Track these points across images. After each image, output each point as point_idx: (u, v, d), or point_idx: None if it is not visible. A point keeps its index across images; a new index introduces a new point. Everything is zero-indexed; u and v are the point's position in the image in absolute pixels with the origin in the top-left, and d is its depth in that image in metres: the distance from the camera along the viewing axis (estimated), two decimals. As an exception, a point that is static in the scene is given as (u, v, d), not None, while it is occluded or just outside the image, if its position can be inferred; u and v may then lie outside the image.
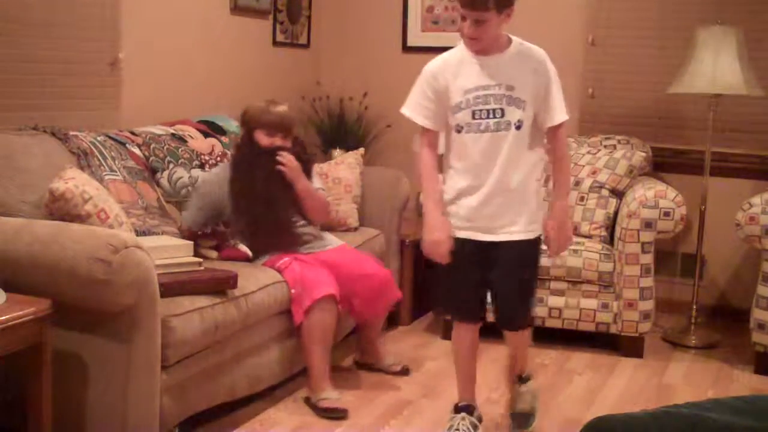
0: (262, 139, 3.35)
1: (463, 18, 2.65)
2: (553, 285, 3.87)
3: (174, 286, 2.78)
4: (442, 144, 2.83)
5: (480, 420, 2.94)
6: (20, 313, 2.30)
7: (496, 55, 2.68)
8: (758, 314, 3.67)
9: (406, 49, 5.04)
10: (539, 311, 3.88)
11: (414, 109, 2.78)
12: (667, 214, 3.73)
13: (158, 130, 3.61)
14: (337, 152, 4.72)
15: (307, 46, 5.11)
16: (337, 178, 4.03)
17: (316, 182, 3.54)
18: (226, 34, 4.40)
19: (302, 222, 3.42)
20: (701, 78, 3.98)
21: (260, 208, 3.30)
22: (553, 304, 3.87)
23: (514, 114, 2.65)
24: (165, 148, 3.48)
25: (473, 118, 2.67)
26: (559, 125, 2.72)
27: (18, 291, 2.43)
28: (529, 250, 2.78)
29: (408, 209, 4.30)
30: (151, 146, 3.43)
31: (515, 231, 2.73)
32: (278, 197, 3.33)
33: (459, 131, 2.71)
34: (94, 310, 2.48)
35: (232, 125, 3.99)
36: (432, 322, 4.31)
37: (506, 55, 2.70)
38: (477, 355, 2.94)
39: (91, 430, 2.56)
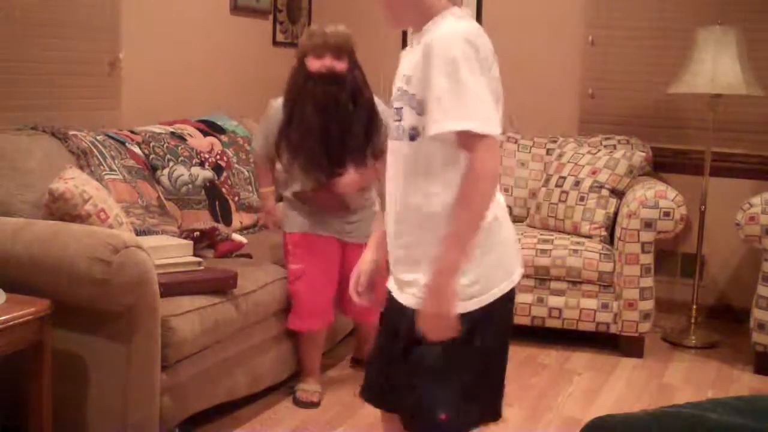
0: (312, 63, 3.03)
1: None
2: (553, 285, 3.87)
3: (174, 286, 2.78)
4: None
5: None
6: (20, 313, 2.31)
7: (417, 33, 1.86)
8: (758, 314, 3.67)
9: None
10: (540, 311, 3.88)
11: None
12: (667, 214, 3.73)
13: (157, 129, 3.61)
14: (337, 152, 4.71)
15: (307, 46, 5.10)
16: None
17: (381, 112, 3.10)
18: (226, 34, 4.40)
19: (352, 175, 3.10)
20: (701, 78, 3.98)
21: (306, 140, 2.98)
22: (553, 304, 3.87)
23: (408, 117, 1.81)
24: (165, 146, 3.49)
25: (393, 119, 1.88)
26: (465, 141, 1.72)
27: (18, 291, 2.43)
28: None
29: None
30: (151, 144, 3.43)
31: (411, 292, 1.86)
32: (327, 129, 2.98)
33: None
34: (94, 310, 2.48)
35: (232, 124, 4.00)
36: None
37: (421, 32, 1.84)
38: None
39: (91, 430, 2.56)
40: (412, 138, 1.80)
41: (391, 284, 1.94)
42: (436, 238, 1.75)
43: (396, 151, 1.85)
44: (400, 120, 1.82)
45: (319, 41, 3.03)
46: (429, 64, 1.73)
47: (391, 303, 1.92)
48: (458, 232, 1.72)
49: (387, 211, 1.91)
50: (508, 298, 1.87)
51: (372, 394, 2.01)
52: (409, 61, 1.83)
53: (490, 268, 1.83)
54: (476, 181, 1.71)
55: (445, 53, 1.72)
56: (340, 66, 3.02)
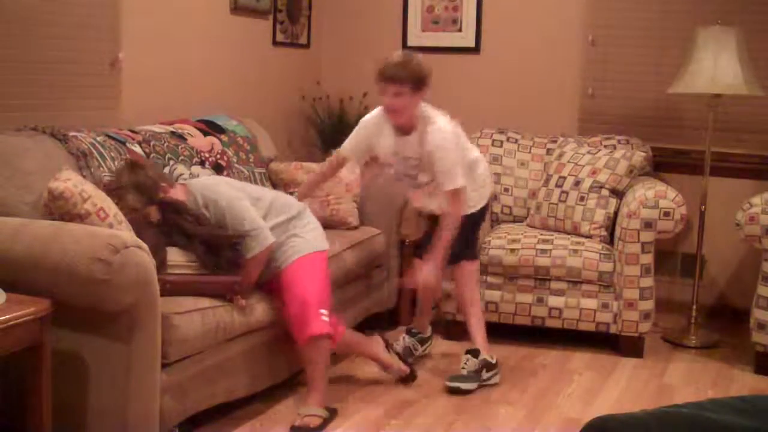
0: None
1: (382, 92, 3.23)
2: (553, 285, 3.87)
3: (181, 285, 2.78)
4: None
5: (417, 344, 3.74)
6: (20, 313, 2.30)
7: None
8: (758, 314, 3.67)
9: (407, 49, 5.03)
10: (540, 311, 3.88)
11: None
12: (667, 214, 3.73)
13: (158, 128, 3.61)
14: (337, 152, 4.71)
15: (307, 46, 5.11)
16: (337, 177, 4.02)
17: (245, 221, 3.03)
18: (226, 34, 4.40)
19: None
20: (701, 78, 3.98)
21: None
22: (553, 304, 3.87)
23: (422, 177, 3.42)
24: (165, 145, 3.49)
25: (396, 176, 3.51)
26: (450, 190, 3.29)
27: (18, 291, 2.43)
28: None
29: (408, 209, 4.29)
30: (152, 143, 3.43)
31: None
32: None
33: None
34: (94, 310, 2.48)
35: (232, 124, 3.99)
36: (432, 322, 4.30)
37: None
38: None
39: (91, 430, 2.56)
40: (428, 183, 3.40)
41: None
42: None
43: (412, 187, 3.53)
44: (414, 178, 3.44)
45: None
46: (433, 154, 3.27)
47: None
48: (440, 247, 3.34)
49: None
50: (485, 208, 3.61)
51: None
52: (412, 149, 3.35)
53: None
54: (451, 218, 3.34)
55: (441, 146, 3.28)
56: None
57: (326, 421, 3.04)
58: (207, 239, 2.96)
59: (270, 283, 3.13)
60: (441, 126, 3.27)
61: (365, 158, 3.58)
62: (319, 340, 3.03)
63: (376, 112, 3.41)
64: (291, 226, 3.18)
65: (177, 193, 3.06)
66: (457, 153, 3.29)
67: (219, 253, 2.96)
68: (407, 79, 3.19)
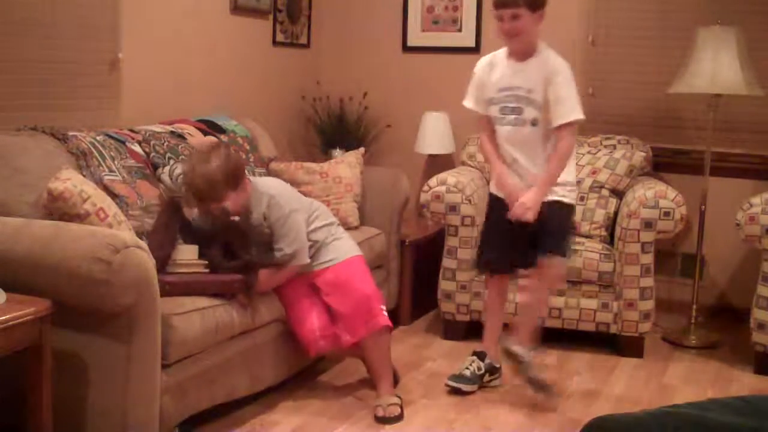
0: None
1: (500, 18, 3.12)
2: (553, 285, 3.87)
3: (181, 286, 2.78)
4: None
5: (490, 369, 3.44)
6: (20, 313, 2.30)
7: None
8: (758, 314, 3.67)
9: (406, 49, 5.04)
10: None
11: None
12: (667, 214, 3.73)
13: (158, 128, 3.61)
14: (337, 152, 4.72)
15: (307, 46, 5.11)
16: (337, 177, 4.03)
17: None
18: (226, 34, 4.40)
19: None
20: (701, 78, 3.98)
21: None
22: (553, 304, 3.87)
23: (529, 112, 3.16)
24: (165, 144, 3.48)
25: (500, 112, 3.24)
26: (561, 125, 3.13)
27: (18, 291, 2.43)
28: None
29: (408, 209, 4.30)
30: (152, 143, 3.42)
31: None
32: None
33: (494, 121, 3.27)
34: (94, 310, 2.48)
35: (232, 124, 3.99)
36: (432, 322, 4.31)
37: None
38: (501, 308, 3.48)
39: (91, 430, 2.55)
40: (534, 125, 3.17)
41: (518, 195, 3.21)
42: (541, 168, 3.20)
43: (515, 132, 3.20)
44: (520, 113, 3.17)
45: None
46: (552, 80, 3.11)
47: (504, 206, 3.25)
48: (549, 176, 3.16)
49: (512, 161, 3.25)
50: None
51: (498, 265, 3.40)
52: (525, 77, 3.16)
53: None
54: (566, 150, 3.15)
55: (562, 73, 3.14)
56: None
57: (402, 407, 3.17)
58: (251, 238, 3.06)
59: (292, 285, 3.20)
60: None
61: (483, 105, 3.32)
62: (384, 332, 3.20)
63: (485, 57, 3.34)
64: (333, 230, 3.31)
65: (248, 190, 3.12)
66: (575, 86, 3.15)
67: (238, 256, 3.01)
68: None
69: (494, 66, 3.26)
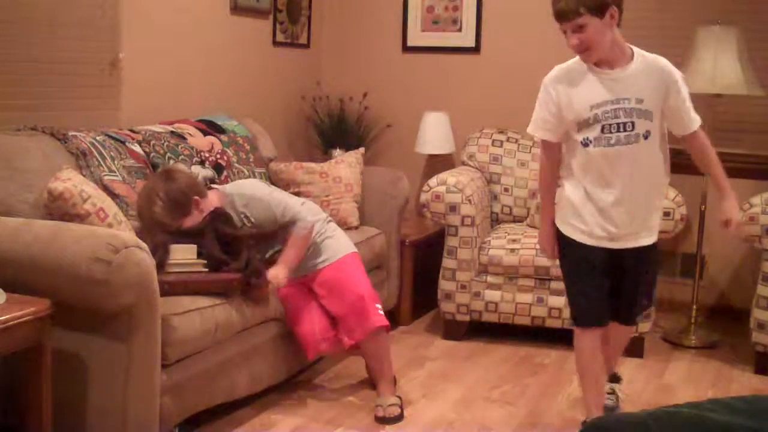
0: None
1: (564, 32, 2.70)
2: (553, 285, 3.86)
3: (179, 285, 2.78)
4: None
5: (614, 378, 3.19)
6: (20, 313, 2.31)
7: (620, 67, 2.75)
8: (758, 314, 3.67)
9: (406, 49, 5.04)
10: (539, 311, 3.88)
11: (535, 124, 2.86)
12: (667, 214, 3.73)
13: (158, 128, 3.61)
14: (337, 152, 4.72)
15: (307, 46, 5.11)
16: (337, 176, 4.03)
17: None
18: (226, 34, 4.39)
19: None
20: (701, 78, 3.97)
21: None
22: (552, 304, 3.87)
23: (641, 126, 2.74)
24: (165, 144, 3.49)
25: (602, 132, 2.73)
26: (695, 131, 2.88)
27: (18, 291, 2.43)
28: (649, 254, 2.89)
29: (408, 209, 4.30)
30: (152, 143, 3.43)
31: (642, 237, 2.85)
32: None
33: (586, 145, 2.75)
34: (94, 310, 2.48)
35: (232, 124, 3.99)
36: (432, 322, 4.31)
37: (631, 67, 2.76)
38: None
39: (91, 430, 2.56)
40: (646, 138, 2.76)
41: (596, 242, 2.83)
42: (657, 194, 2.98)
43: (626, 151, 2.74)
44: (631, 129, 2.72)
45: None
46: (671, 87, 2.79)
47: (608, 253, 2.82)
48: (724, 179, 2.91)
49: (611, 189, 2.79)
50: None
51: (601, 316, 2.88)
52: (629, 86, 2.72)
53: None
54: (711, 149, 2.94)
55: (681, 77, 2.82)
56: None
57: (402, 407, 3.16)
58: (255, 237, 3.07)
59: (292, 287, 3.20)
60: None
61: (562, 131, 2.82)
62: (380, 332, 3.18)
63: (554, 71, 2.83)
64: (323, 229, 3.27)
65: (211, 201, 3.10)
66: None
67: (240, 256, 3.00)
68: (581, 4, 2.60)
69: (574, 81, 2.75)
